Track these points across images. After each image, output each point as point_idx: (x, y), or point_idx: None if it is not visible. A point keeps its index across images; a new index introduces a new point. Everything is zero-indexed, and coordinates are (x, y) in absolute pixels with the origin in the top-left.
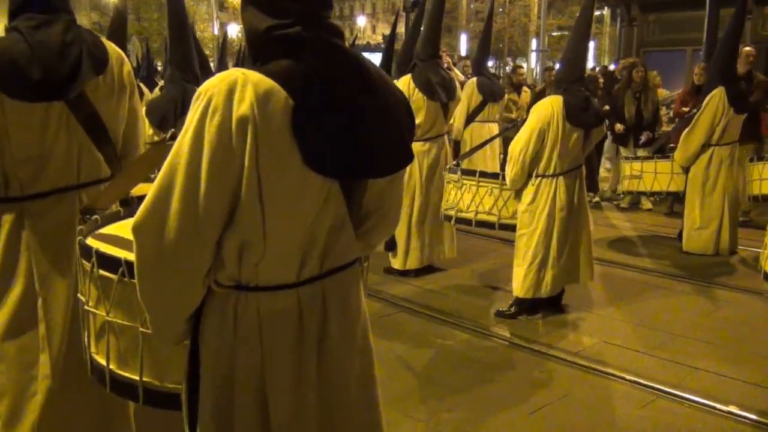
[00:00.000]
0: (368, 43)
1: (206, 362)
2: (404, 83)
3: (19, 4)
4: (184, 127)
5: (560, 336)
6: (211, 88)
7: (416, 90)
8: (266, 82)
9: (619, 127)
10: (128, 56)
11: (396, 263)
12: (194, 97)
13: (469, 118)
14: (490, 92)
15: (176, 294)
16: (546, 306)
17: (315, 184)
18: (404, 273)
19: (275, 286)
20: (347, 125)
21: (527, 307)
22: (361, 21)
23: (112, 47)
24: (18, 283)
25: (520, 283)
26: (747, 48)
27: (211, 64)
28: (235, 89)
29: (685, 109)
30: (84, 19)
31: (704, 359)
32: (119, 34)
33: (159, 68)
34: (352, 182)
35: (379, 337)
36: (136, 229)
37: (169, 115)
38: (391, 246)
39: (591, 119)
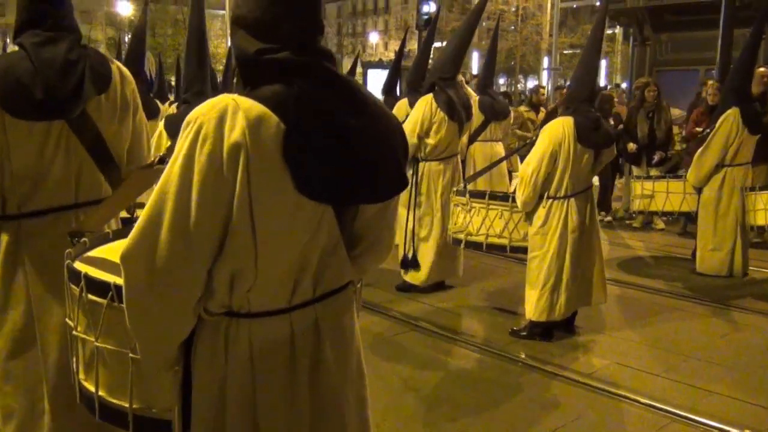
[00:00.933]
0: (380, 59)
1: (198, 389)
2: (425, 102)
3: (25, 20)
4: (174, 155)
5: (573, 357)
6: (201, 115)
7: (438, 109)
8: (257, 107)
9: (631, 146)
10: (144, 71)
11: (411, 278)
12: (183, 125)
13: (471, 138)
14: (491, 111)
15: (166, 323)
16: (558, 327)
17: (308, 209)
18: (414, 288)
19: (267, 312)
20: (340, 150)
21: (540, 331)
22: (374, 38)
23: (117, 66)
24: (18, 302)
25: (533, 307)
26: (761, 69)
27: None
28: (225, 117)
29: (699, 129)
30: (100, 34)
31: (719, 382)
32: (138, 49)
33: (172, 83)
34: (346, 206)
35: (390, 356)
36: (124, 258)
37: None
38: (414, 265)
39: (601, 140)
